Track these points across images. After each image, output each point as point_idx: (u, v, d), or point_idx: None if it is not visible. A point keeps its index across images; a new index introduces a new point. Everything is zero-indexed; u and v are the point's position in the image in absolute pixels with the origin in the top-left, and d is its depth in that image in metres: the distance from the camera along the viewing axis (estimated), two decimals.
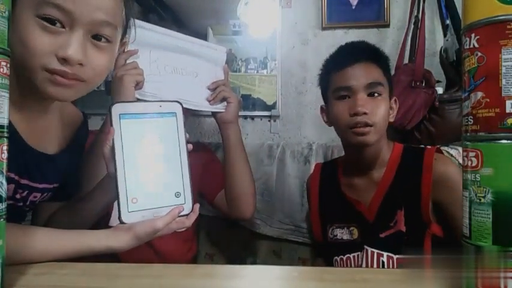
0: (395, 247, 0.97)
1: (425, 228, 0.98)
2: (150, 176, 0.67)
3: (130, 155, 0.65)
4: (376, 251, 0.99)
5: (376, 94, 1.01)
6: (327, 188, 1.17)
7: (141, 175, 0.66)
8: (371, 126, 0.99)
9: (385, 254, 0.98)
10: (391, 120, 1.05)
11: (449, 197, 0.94)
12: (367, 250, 1.01)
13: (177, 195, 0.69)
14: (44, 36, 0.64)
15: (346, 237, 1.07)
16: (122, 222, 0.64)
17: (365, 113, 0.98)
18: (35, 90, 0.68)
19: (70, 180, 0.88)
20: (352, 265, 1.04)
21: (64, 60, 0.65)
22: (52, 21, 0.64)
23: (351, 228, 1.06)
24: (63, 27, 0.65)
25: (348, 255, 1.05)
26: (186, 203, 0.69)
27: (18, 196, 0.75)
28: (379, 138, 1.01)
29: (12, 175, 0.71)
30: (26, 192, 0.76)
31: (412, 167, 1.01)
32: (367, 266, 0.99)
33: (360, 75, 1.02)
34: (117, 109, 0.65)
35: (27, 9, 0.62)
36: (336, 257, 1.08)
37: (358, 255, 1.04)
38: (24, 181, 0.75)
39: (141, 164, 0.66)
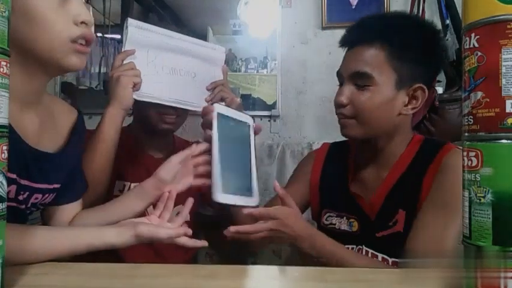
0: (391, 249, 0.89)
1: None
2: (234, 169, 0.79)
3: (222, 148, 0.77)
4: (370, 251, 0.93)
5: (364, 85, 0.89)
6: (331, 174, 1.06)
7: (228, 167, 0.77)
8: (352, 118, 0.91)
9: (380, 255, 0.91)
10: (406, 112, 0.91)
11: (437, 181, 0.86)
12: (361, 249, 0.95)
13: (248, 189, 0.81)
14: (59, 9, 0.68)
15: (344, 227, 0.99)
16: (215, 202, 0.74)
17: (342, 105, 0.91)
18: (50, 68, 0.72)
19: (75, 179, 0.87)
20: None
21: (83, 24, 0.71)
22: None
23: (351, 220, 0.98)
24: None
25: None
26: (255, 197, 0.82)
27: (20, 198, 0.74)
28: (369, 131, 0.92)
29: (13, 176, 0.70)
30: (27, 194, 0.75)
31: (421, 165, 0.91)
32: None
33: (349, 62, 0.93)
34: (218, 108, 0.79)
35: None
36: None
37: (353, 248, 0.96)
38: (24, 181, 0.74)
39: (229, 158, 0.79)
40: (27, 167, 0.73)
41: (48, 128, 0.79)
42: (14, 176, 0.70)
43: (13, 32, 0.60)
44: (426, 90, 0.91)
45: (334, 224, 1.01)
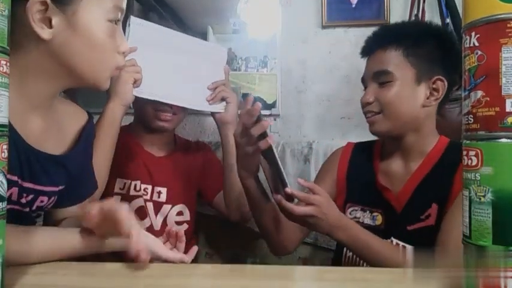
0: (423, 242, 0.91)
1: None
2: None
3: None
4: (401, 243, 0.95)
5: (385, 82, 0.97)
6: (357, 169, 1.11)
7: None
8: (379, 113, 0.98)
9: (411, 248, 0.94)
10: (429, 104, 0.97)
11: None
12: (392, 241, 0.97)
13: None
14: (111, 38, 0.72)
15: (367, 221, 1.02)
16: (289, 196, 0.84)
17: (368, 103, 0.99)
18: (80, 83, 0.75)
19: (81, 183, 0.86)
20: None
21: (123, 53, 0.76)
22: (115, 22, 0.73)
23: (375, 213, 1.02)
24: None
25: None
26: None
27: (23, 200, 0.74)
28: (396, 125, 0.98)
29: (14, 178, 0.69)
30: (31, 197, 0.74)
31: (451, 162, 0.94)
32: None
33: (370, 65, 1.02)
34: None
35: (99, 15, 0.70)
36: None
37: None
38: (27, 184, 0.73)
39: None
40: (31, 168, 0.73)
41: (54, 130, 0.79)
42: (15, 178, 0.69)
43: (64, 46, 0.68)
44: (445, 81, 0.97)
45: (359, 218, 1.04)
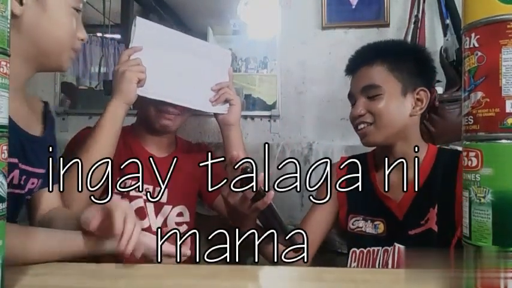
0: (425, 245, 0.95)
1: (455, 230, 0.94)
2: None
3: None
4: (402, 247, 0.98)
5: (375, 95, 1.02)
6: (355, 181, 1.13)
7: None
8: (371, 124, 1.02)
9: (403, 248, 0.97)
10: (415, 113, 1.03)
11: None
12: (395, 247, 0.99)
13: None
14: (73, 22, 0.81)
15: (369, 230, 1.06)
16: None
17: (360, 115, 1.03)
18: (47, 64, 0.82)
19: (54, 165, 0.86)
20: (371, 259, 1.02)
21: (81, 40, 0.84)
22: (78, 10, 0.82)
23: (376, 222, 1.05)
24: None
25: (369, 248, 1.03)
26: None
27: (22, 182, 0.76)
28: (387, 135, 1.02)
29: (15, 160, 0.72)
30: (24, 178, 0.77)
31: (447, 168, 1.00)
32: (393, 263, 0.98)
33: (357, 81, 1.07)
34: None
35: (67, 2, 0.79)
36: (355, 249, 1.06)
37: (378, 250, 1.02)
38: (23, 166, 0.75)
39: None
40: (25, 151, 0.76)
41: (30, 114, 0.83)
42: (15, 160, 0.72)
43: (32, 24, 0.75)
44: (428, 92, 1.04)
45: (361, 227, 1.08)
